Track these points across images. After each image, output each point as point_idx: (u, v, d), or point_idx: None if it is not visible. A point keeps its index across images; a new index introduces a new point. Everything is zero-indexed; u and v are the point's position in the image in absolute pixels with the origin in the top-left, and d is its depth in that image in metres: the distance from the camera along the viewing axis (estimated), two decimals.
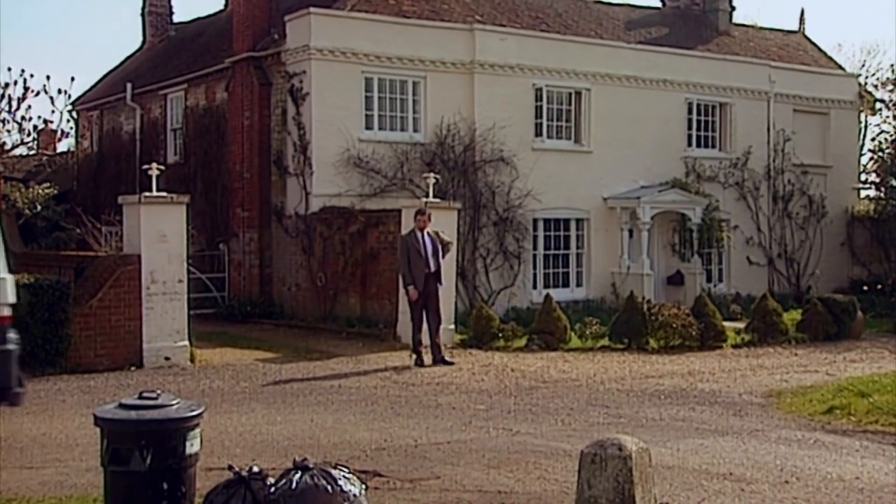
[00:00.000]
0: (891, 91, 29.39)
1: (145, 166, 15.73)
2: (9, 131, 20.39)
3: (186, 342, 15.04)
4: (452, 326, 17.31)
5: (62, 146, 31.15)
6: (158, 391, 6.00)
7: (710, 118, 25.88)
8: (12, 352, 8.77)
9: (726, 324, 18.70)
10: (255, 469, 6.02)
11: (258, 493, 5.89)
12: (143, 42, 32.38)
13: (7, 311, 8.85)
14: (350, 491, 5.89)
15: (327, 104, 20.54)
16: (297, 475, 5.89)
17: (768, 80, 26.45)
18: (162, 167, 16.04)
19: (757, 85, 26.28)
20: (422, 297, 15.29)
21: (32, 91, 20.00)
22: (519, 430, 10.38)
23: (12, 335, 8.83)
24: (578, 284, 23.51)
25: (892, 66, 38.91)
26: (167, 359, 14.70)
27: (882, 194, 27.89)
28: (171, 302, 14.80)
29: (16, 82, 19.89)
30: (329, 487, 5.85)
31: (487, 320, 17.65)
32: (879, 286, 24.69)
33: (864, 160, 31.19)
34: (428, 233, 15.47)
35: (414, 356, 15.26)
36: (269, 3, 22.99)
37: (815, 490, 8.12)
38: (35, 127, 20.89)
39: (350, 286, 19.68)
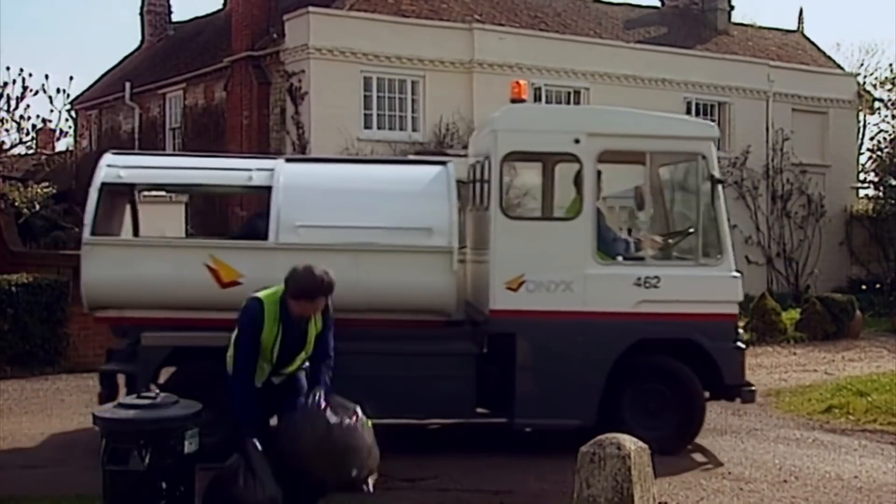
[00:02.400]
0: (889, 90, 29.43)
1: None
2: (7, 130, 20.32)
3: None
4: None
5: (61, 145, 31.07)
6: (157, 390, 6.00)
7: (708, 117, 25.84)
8: (744, 350, 9.26)
9: None
10: None
11: None
12: (142, 41, 32.38)
13: (736, 309, 9.30)
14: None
15: (326, 103, 20.52)
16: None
17: (767, 79, 26.44)
18: None
19: (756, 84, 26.26)
20: None
21: (31, 90, 19.90)
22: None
23: (742, 333, 9.37)
24: None
25: (890, 65, 39.13)
26: None
27: (881, 193, 27.89)
28: None
29: (14, 81, 19.79)
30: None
31: None
32: (878, 285, 24.66)
33: (862, 159, 31.21)
34: None
35: None
36: (268, 3, 22.99)
37: (813, 489, 8.12)
38: (34, 126, 20.80)
39: None
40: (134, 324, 8.78)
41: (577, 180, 9.26)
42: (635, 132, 9.32)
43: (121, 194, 9.65)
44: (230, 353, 6.30)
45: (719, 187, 9.21)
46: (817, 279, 26.30)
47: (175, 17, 32.45)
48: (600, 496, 5.41)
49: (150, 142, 26.92)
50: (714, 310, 9.08)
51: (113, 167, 9.20)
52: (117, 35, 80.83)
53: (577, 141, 8.99)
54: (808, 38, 31.47)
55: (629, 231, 9.62)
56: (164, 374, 8.96)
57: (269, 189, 9.07)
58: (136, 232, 10.24)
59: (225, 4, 28.39)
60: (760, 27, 31.67)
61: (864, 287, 24.56)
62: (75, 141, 31.21)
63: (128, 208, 10.09)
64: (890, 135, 28.75)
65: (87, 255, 8.81)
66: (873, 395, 12.10)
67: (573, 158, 9.20)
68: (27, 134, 20.60)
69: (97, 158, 9.72)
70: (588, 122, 9.39)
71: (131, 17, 56.08)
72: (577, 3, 27.11)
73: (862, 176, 30.09)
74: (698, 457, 9.17)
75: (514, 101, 9.49)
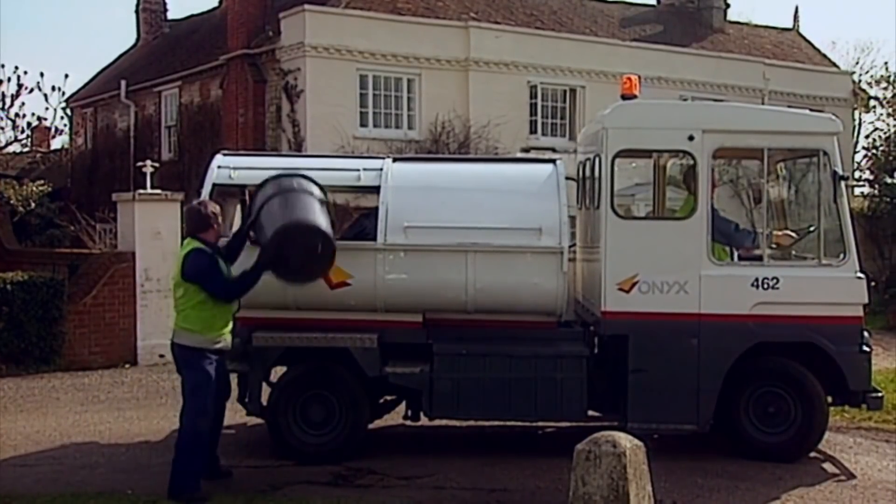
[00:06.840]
0: (885, 88, 29.43)
1: (139, 164, 15.71)
2: (2, 128, 20.33)
3: None
4: None
5: (56, 143, 31.08)
6: None
7: None
8: (870, 354, 8.85)
9: None
10: None
11: None
12: (138, 39, 32.34)
13: (861, 312, 8.85)
14: None
15: (322, 101, 20.52)
16: None
17: (763, 77, 26.46)
18: (156, 164, 16.02)
19: (751, 82, 26.28)
20: None
21: (26, 88, 19.89)
22: (513, 426, 10.38)
23: (868, 336, 8.88)
24: None
25: (885, 63, 39.13)
26: (162, 356, 14.66)
27: (876, 192, 27.90)
28: (165, 299, 14.73)
29: (9, 79, 19.78)
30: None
31: None
32: (874, 283, 24.66)
33: (857, 157, 31.25)
34: None
35: None
36: (264, 1, 22.98)
37: (808, 487, 8.13)
38: (29, 124, 20.82)
39: None
40: (245, 324, 8.64)
41: (691, 179, 8.97)
42: (752, 128, 8.92)
43: (231, 195, 9.61)
44: (200, 298, 7.50)
45: (842, 184, 8.73)
46: None
47: (170, 15, 32.44)
48: (596, 494, 5.41)
49: (145, 140, 26.89)
50: (837, 312, 8.73)
51: (224, 168, 9.20)
52: (113, 33, 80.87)
53: (691, 138, 8.70)
54: (803, 37, 31.51)
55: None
56: (274, 374, 9.09)
57: (377, 189, 9.09)
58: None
59: (220, 2, 28.34)
60: (756, 25, 31.72)
61: None
62: (71, 139, 31.16)
63: (238, 209, 10.01)
64: (885, 133, 28.76)
65: None
66: None
67: (687, 156, 8.95)
68: (22, 132, 20.61)
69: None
70: (703, 118, 9.02)
71: (127, 15, 56.14)
72: (573, 1, 27.12)
73: (857, 174, 30.13)
74: (694, 455, 9.17)
75: (624, 97, 9.21)
